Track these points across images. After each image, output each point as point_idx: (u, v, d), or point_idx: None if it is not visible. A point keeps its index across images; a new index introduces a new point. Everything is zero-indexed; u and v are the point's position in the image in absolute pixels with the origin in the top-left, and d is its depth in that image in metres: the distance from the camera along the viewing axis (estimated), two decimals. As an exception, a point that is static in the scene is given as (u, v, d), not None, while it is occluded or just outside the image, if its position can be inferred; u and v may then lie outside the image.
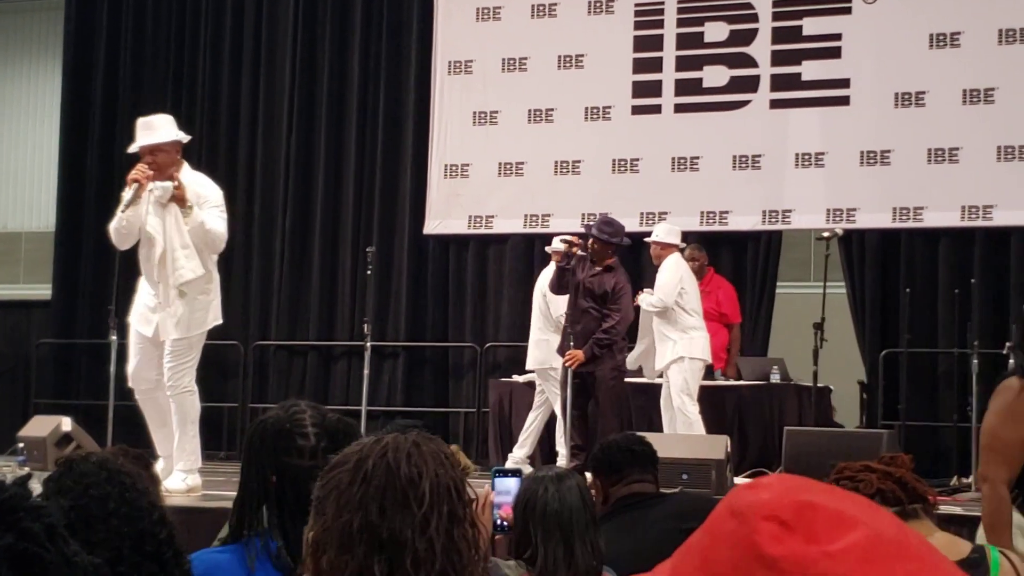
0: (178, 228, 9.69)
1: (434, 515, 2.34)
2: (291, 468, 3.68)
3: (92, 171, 17.20)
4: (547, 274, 12.67)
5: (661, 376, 12.10)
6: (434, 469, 2.38)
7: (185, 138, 10.07)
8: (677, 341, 11.87)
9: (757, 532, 1.35)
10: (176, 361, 9.92)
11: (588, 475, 5.76)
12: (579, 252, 11.72)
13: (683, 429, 11.66)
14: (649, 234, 12.77)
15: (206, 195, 9.87)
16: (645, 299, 12.00)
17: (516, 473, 4.66)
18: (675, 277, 12.02)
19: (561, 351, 11.87)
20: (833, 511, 1.36)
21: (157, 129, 9.88)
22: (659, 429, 11.97)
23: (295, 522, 3.63)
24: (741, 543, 1.36)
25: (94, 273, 16.66)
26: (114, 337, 12.25)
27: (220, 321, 10.31)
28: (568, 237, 11.98)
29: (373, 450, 2.39)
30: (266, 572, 3.61)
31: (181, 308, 9.89)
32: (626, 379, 12.38)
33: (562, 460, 11.81)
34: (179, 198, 9.69)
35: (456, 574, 2.36)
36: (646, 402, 12.75)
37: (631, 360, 12.31)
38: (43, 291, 17.42)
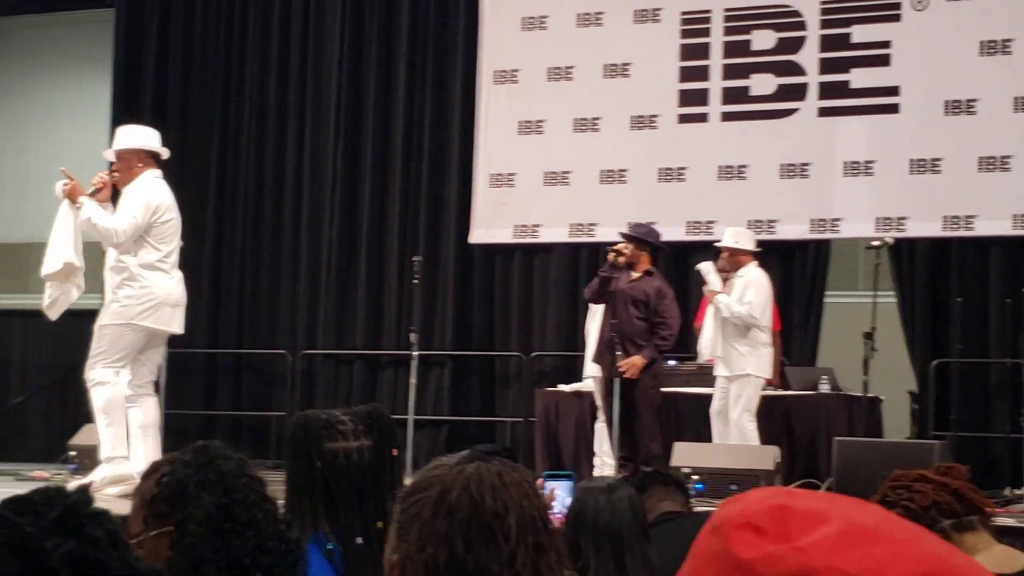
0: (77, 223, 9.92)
1: (520, 548, 2.31)
2: (336, 453, 3.79)
3: (140, 181, 17.26)
4: None
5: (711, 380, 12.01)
6: (519, 501, 2.34)
7: (146, 147, 10.13)
8: (747, 356, 11.78)
9: (731, 541, 1.35)
10: (93, 348, 10.10)
11: None
12: (623, 261, 11.69)
13: (742, 441, 11.61)
14: (697, 244, 12.74)
15: (129, 200, 9.99)
16: (732, 306, 11.80)
17: (567, 476, 4.64)
18: (766, 295, 11.97)
19: (599, 360, 11.85)
20: (805, 510, 1.35)
21: (119, 138, 10.21)
22: (707, 440, 11.94)
23: (346, 510, 3.68)
24: (719, 556, 1.36)
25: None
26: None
27: (151, 324, 10.02)
28: (618, 247, 11.94)
29: (456, 481, 2.35)
30: (322, 570, 3.64)
31: (110, 296, 10.10)
32: (670, 388, 12.37)
33: (603, 469, 11.79)
34: (68, 194, 9.99)
35: None
36: (694, 412, 12.70)
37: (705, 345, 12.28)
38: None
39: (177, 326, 10.12)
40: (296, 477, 3.83)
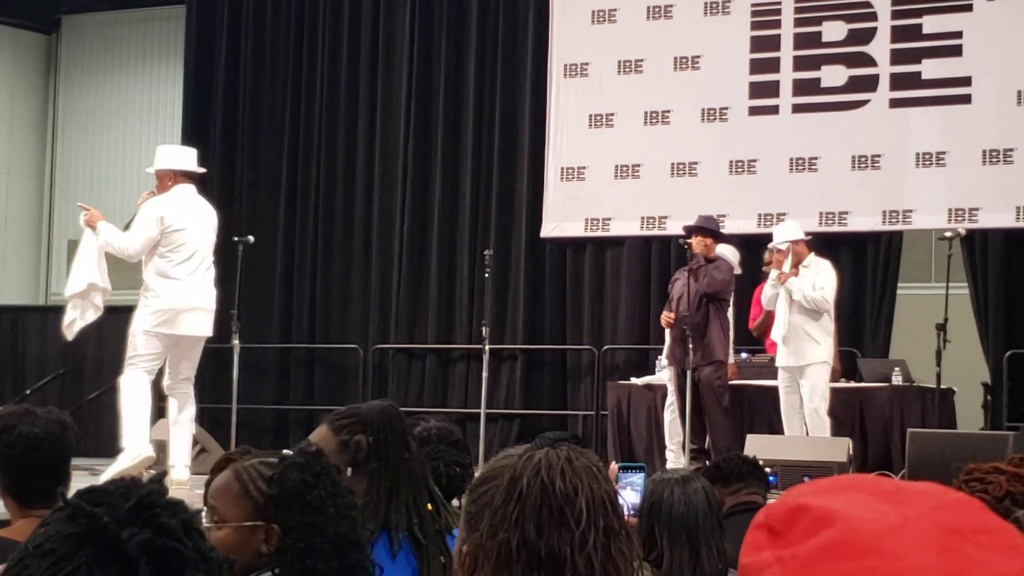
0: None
1: (591, 531, 2.33)
2: (415, 443, 3.92)
3: (214, 178, 17.35)
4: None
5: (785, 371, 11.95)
6: (588, 484, 2.36)
7: (174, 167, 10.67)
8: (821, 343, 11.77)
9: (745, 541, 1.35)
10: (127, 352, 10.76)
11: None
12: (697, 250, 11.78)
13: (817, 432, 11.58)
14: (769, 237, 12.70)
15: (140, 216, 10.72)
16: (805, 291, 11.75)
17: (640, 468, 4.65)
18: (835, 282, 11.97)
19: (671, 355, 11.92)
20: (818, 512, 1.33)
21: (156, 159, 10.87)
22: (779, 431, 11.92)
23: (419, 498, 3.75)
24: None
25: (216, 278, 16.84)
26: (236, 341, 12.43)
27: (163, 330, 10.49)
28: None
29: (526, 468, 2.38)
30: (407, 556, 3.68)
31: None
32: (742, 381, 12.37)
33: (674, 462, 11.80)
34: (88, 222, 10.79)
35: None
36: (766, 404, 12.68)
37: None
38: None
39: (196, 329, 10.59)
40: (388, 468, 3.85)
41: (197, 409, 11.25)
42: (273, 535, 3.15)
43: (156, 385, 10.74)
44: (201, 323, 10.59)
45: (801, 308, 11.78)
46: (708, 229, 12.05)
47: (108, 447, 15.91)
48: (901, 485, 1.40)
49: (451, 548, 3.73)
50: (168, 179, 10.58)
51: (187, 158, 10.81)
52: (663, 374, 13.37)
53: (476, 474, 2.61)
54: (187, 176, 10.62)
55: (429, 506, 3.82)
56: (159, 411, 14.99)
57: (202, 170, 10.94)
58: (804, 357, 11.78)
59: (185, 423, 10.76)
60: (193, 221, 10.45)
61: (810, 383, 11.77)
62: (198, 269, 10.46)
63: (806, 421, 11.80)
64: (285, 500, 3.10)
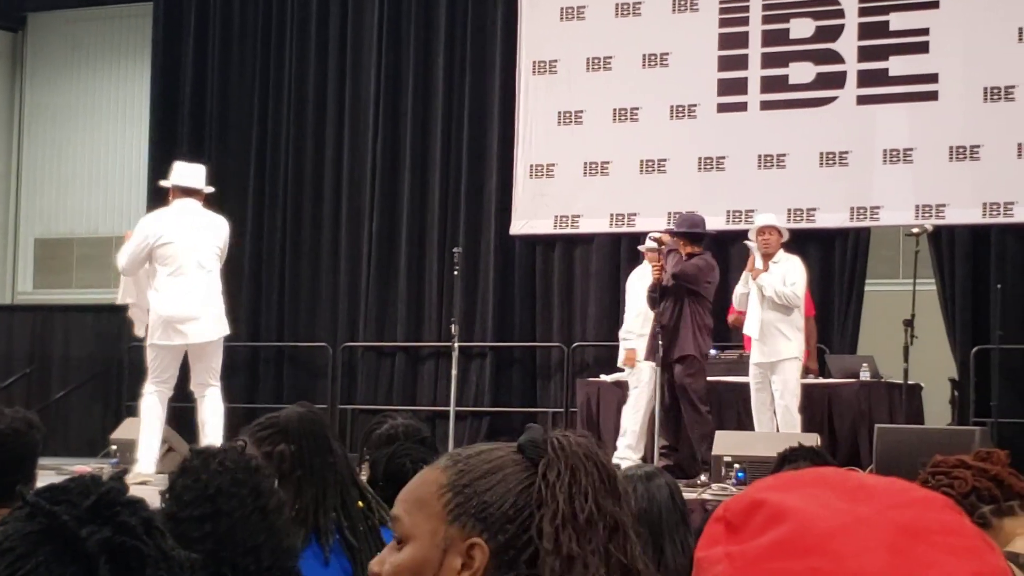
0: None
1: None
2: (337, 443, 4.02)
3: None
4: (641, 271, 12.64)
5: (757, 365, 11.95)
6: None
7: (178, 183, 11.03)
8: (792, 340, 11.78)
9: (704, 534, 1.35)
10: None
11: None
12: (666, 248, 11.73)
13: (787, 428, 11.60)
14: (737, 233, 12.71)
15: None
16: (776, 286, 11.75)
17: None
18: (805, 275, 12.00)
19: (649, 351, 11.91)
20: (773, 507, 1.32)
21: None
22: (748, 427, 11.94)
23: (348, 499, 3.80)
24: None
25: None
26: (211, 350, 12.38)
27: (159, 342, 10.89)
28: (657, 234, 11.98)
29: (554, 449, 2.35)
30: (339, 560, 3.67)
31: None
32: (710, 377, 12.37)
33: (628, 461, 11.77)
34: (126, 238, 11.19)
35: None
36: (734, 400, 12.71)
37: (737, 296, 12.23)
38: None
39: (194, 337, 10.82)
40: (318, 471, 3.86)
41: (169, 408, 11.30)
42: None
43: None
44: (198, 330, 10.78)
45: (772, 304, 11.78)
46: (680, 232, 11.97)
47: (76, 446, 15.91)
48: (864, 481, 1.38)
49: (387, 542, 3.74)
50: (172, 195, 10.95)
51: (185, 173, 11.06)
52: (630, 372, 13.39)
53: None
54: (188, 192, 10.86)
55: (360, 504, 3.81)
56: (127, 411, 15.00)
57: (199, 186, 11.03)
58: (776, 353, 11.80)
59: (211, 423, 10.96)
60: (186, 233, 10.64)
61: (782, 379, 11.79)
62: (190, 279, 10.65)
63: (777, 417, 11.81)
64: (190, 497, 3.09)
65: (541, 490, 2.20)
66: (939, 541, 1.32)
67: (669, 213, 14.02)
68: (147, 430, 10.89)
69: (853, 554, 1.30)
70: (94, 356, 17.90)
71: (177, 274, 10.62)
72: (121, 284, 11.29)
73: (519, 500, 2.16)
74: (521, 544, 2.14)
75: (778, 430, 11.68)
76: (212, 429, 10.89)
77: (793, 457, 5.77)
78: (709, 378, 12.41)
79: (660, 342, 11.55)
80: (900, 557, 1.30)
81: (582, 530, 2.24)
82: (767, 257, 11.91)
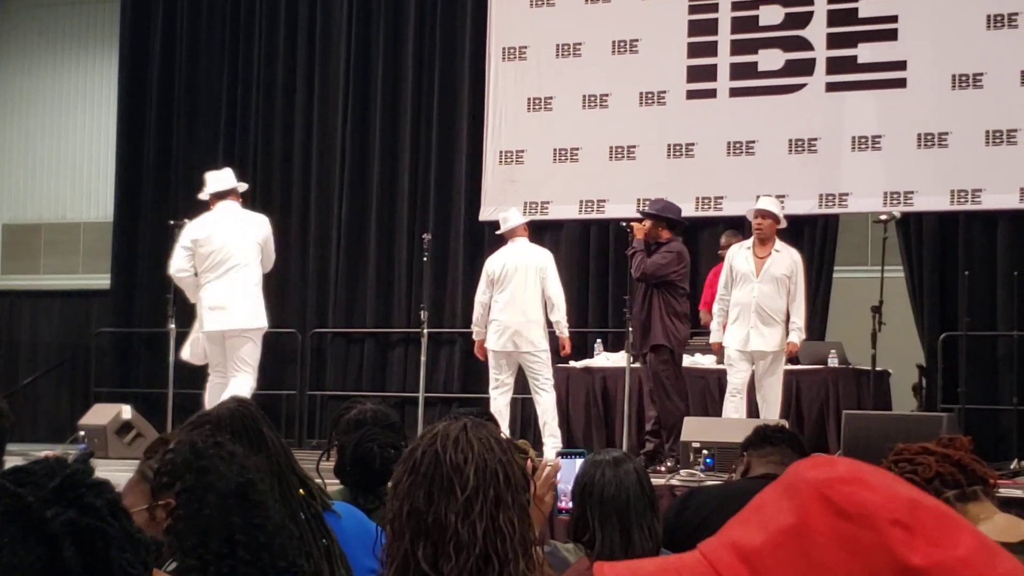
0: None
1: (478, 499, 2.36)
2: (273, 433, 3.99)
3: (149, 161, 17.32)
4: (524, 250, 12.50)
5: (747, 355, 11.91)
6: (480, 453, 2.39)
7: (211, 190, 11.71)
8: (781, 327, 11.75)
9: (891, 540, 1.31)
10: None
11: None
12: (639, 236, 11.73)
13: (770, 415, 11.61)
14: (706, 220, 12.71)
15: None
16: (799, 322, 11.74)
17: (581, 454, 4.66)
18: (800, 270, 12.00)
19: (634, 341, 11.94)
20: (935, 510, 1.33)
21: None
22: (716, 414, 11.94)
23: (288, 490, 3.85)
24: (871, 550, 1.31)
25: (152, 262, 16.77)
26: (172, 325, 12.42)
27: (203, 330, 11.60)
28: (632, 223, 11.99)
29: (423, 439, 2.42)
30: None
31: None
32: (682, 364, 12.38)
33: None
34: None
35: (498, 558, 2.38)
36: (702, 386, 12.74)
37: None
38: (102, 281, 17.55)
39: (218, 324, 11.38)
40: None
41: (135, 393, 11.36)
42: (169, 507, 3.14)
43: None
44: (224, 319, 11.35)
45: (772, 295, 11.69)
46: (650, 213, 11.98)
47: (44, 432, 15.87)
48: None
49: (330, 528, 3.77)
50: (210, 203, 11.66)
51: (215, 180, 11.73)
52: (601, 358, 13.44)
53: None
54: (222, 195, 11.59)
55: (301, 491, 3.82)
56: (95, 397, 14.96)
57: (228, 187, 11.66)
58: (771, 343, 11.71)
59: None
60: (222, 233, 11.37)
61: (772, 366, 11.74)
62: (224, 272, 11.32)
63: (765, 404, 11.76)
64: (175, 470, 3.08)
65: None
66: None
67: (638, 200, 14.04)
68: None
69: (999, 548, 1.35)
70: (62, 342, 17.87)
71: (216, 270, 11.30)
72: (188, 340, 11.92)
73: None
74: None
75: (747, 416, 11.69)
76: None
77: (768, 434, 5.79)
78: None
79: (630, 329, 11.58)
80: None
81: (391, 530, 2.34)
82: (762, 241, 11.84)
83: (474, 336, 12.58)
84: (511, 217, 12.57)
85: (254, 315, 11.52)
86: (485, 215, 15.47)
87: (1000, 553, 1.31)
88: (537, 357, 12.13)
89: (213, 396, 11.07)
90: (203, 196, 11.72)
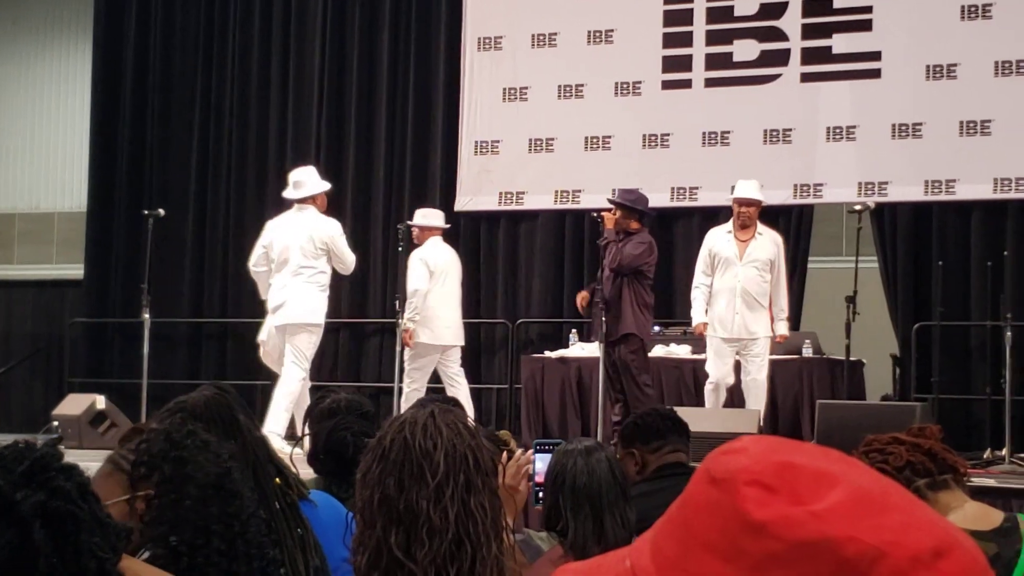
0: None
1: (449, 484, 2.37)
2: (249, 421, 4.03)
3: (123, 151, 17.26)
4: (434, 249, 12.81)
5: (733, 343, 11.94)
6: (449, 439, 2.40)
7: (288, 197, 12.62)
8: (766, 312, 11.81)
9: (741, 498, 1.31)
10: None
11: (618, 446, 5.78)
12: (609, 226, 11.74)
13: (757, 404, 11.66)
14: (681, 210, 12.71)
15: None
16: (784, 313, 11.91)
17: (556, 445, 4.67)
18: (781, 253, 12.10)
19: (593, 330, 11.94)
20: (813, 469, 1.32)
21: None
22: (690, 404, 11.95)
23: (263, 478, 3.85)
24: (725, 511, 1.32)
25: (126, 252, 16.75)
26: (147, 316, 12.39)
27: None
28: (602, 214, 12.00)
29: (391, 426, 2.43)
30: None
31: None
32: (653, 355, 12.40)
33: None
34: None
35: (471, 542, 2.39)
36: (677, 377, 12.76)
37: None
38: (76, 271, 17.50)
39: (275, 320, 12.19)
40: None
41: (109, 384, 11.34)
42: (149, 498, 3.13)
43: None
44: (279, 315, 12.10)
45: (757, 278, 11.75)
46: (619, 203, 12.02)
47: (18, 423, 15.82)
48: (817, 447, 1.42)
49: (305, 518, 3.78)
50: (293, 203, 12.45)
51: (296, 185, 12.46)
52: (575, 348, 13.45)
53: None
54: (303, 200, 12.31)
55: (277, 480, 3.82)
56: (69, 387, 14.93)
57: (307, 194, 12.33)
58: (757, 330, 11.78)
59: (277, 398, 12.10)
60: (282, 237, 12.14)
61: (756, 355, 11.80)
62: (280, 273, 12.09)
63: (749, 392, 11.81)
64: (152, 462, 3.08)
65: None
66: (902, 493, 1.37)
67: (613, 190, 14.00)
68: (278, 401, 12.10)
69: (913, 506, 1.34)
70: (36, 332, 17.82)
71: (276, 271, 12.10)
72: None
73: None
74: None
75: (732, 406, 11.75)
76: (273, 401, 12.09)
77: (656, 425, 5.87)
78: (653, 355, 12.45)
79: (604, 319, 11.57)
80: (930, 508, 1.37)
81: (362, 519, 2.36)
82: (745, 228, 11.89)
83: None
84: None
85: (306, 310, 12.05)
86: (460, 205, 15.47)
87: (879, 510, 1.30)
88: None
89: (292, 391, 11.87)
90: (287, 195, 12.50)
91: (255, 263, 12.44)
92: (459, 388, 12.72)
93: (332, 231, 12.24)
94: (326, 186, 12.55)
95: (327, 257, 12.17)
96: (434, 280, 12.66)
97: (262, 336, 12.54)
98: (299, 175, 12.58)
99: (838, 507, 1.30)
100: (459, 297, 13.12)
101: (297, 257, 12.04)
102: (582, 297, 12.20)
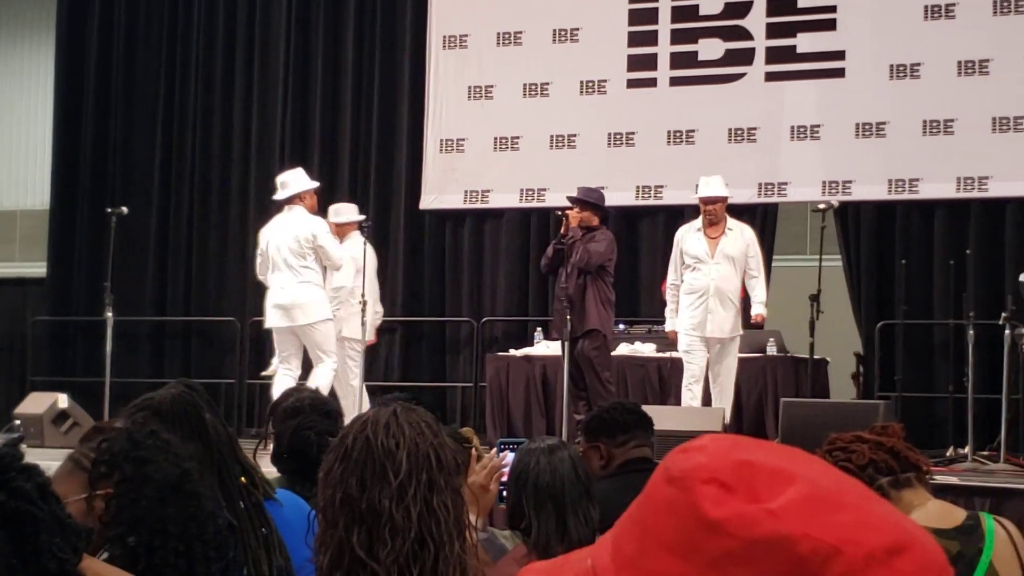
0: None
1: (411, 483, 2.36)
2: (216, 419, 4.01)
3: (86, 148, 17.19)
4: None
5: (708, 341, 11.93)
6: (412, 438, 2.39)
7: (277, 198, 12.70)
8: (736, 310, 11.82)
9: (698, 496, 1.32)
10: None
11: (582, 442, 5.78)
12: (572, 225, 11.74)
13: (724, 403, 11.67)
14: (646, 208, 12.72)
15: None
16: (761, 297, 11.94)
17: (520, 444, 4.67)
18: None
19: (555, 326, 11.92)
20: (771, 468, 1.33)
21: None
22: (655, 403, 11.95)
23: (228, 478, 3.83)
24: (682, 509, 1.33)
25: (89, 251, 16.68)
26: (109, 314, 12.33)
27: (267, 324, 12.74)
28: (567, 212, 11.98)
29: (354, 426, 2.43)
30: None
31: None
32: (617, 353, 12.41)
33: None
34: None
35: (433, 541, 2.38)
36: (642, 375, 12.77)
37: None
38: (38, 269, 17.42)
39: (276, 322, 12.39)
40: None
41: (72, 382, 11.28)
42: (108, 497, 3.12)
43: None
44: (281, 316, 12.30)
45: (730, 275, 11.77)
46: (584, 201, 12.02)
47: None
48: (778, 446, 1.42)
49: (270, 517, 3.77)
50: (282, 205, 12.60)
51: (283, 186, 12.61)
52: (540, 346, 13.45)
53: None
54: (290, 200, 12.47)
55: (243, 479, 3.81)
56: (32, 385, 14.87)
57: (292, 194, 12.43)
58: (732, 329, 11.80)
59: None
60: (274, 239, 12.32)
61: (733, 354, 11.81)
62: (276, 273, 12.29)
63: (720, 391, 11.82)
64: (112, 461, 3.06)
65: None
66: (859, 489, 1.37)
67: (578, 189, 14.04)
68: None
69: (871, 503, 1.34)
70: (-3, 331, 17.74)
71: (273, 271, 12.32)
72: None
73: None
74: None
75: (701, 404, 11.77)
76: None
77: (621, 420, 5.89)
78: (615, 352, 12.46)
79: (568, 317, 11.54)
80: (889, 505, 1.38)
81: (324, 519, 2.36)
82: (714, 225, 11.90)
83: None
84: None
85: (313, 308, 12.26)
86: (426, 203, 15.47)
87: (836, 508, 1.31)
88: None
89: (278, 387, 11.61)
90: (275, 198, 12.65)
91: (259, 271, 12.67)
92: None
93: (316, 229, 12.31)
94: (310, 185, 12.56)
95: (315, 255, 12.28)
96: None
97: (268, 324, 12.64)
98: (285, 176, 12.71)
99: (794, 505, 1.30)
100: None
101: (289, 257, 12.22)
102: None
